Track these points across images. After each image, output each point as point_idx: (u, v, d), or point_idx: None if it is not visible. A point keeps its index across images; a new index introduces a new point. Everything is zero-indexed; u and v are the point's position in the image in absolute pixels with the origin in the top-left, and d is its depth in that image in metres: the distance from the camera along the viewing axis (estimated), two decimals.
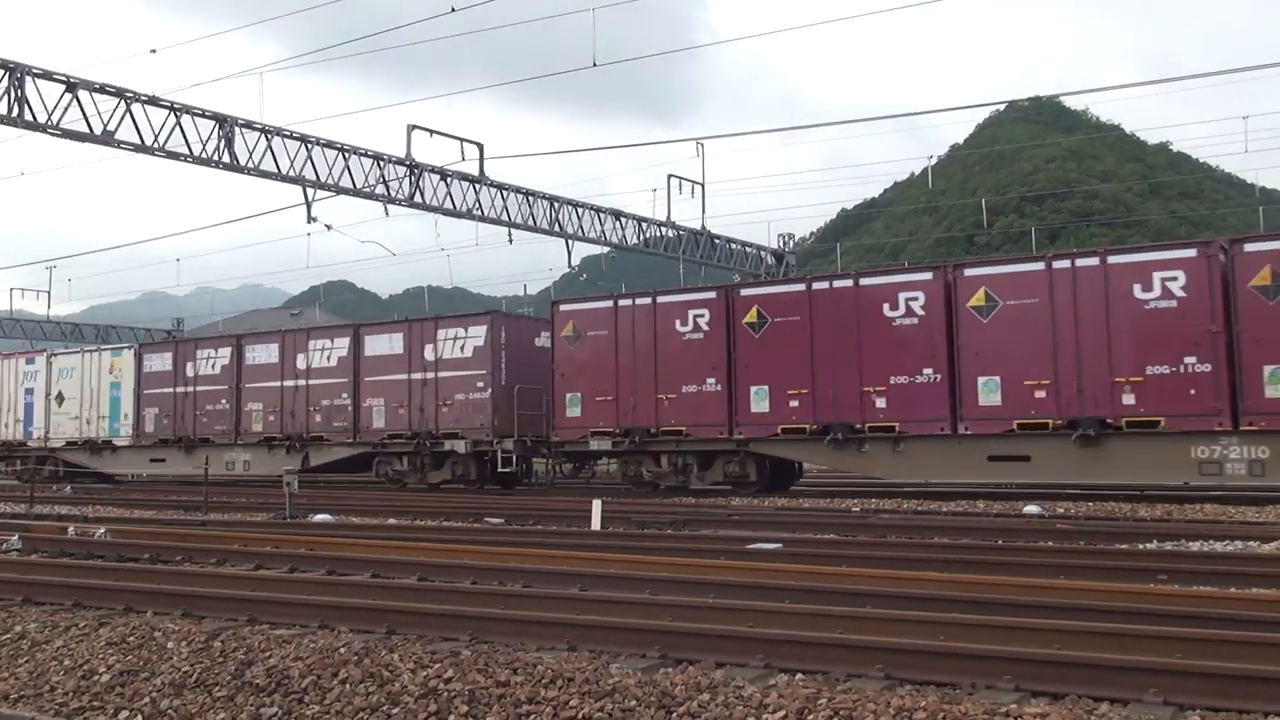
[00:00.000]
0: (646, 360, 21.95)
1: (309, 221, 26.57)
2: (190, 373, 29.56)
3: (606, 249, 35.81)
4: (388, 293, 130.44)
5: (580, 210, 32.99)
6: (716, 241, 37.01)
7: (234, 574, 10.24)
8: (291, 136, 26.14)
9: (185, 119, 24.12)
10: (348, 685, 6.34)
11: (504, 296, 70.04)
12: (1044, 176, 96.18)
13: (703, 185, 35.07)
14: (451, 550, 11.45)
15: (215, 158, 24.68)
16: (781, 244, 40.37)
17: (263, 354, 28.33)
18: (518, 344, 24.80)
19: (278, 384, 27.76)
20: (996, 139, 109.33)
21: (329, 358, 26.86)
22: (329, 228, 27.95)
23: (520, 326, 25.60)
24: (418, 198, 28.44)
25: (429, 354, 25.11)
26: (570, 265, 35.33)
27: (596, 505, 14.81)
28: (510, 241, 31.06)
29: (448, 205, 29.17)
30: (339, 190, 27.01)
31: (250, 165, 25.22)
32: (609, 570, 9.46)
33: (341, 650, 6.86)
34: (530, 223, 31.27)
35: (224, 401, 28.80)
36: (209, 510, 19.58)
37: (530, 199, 31.29)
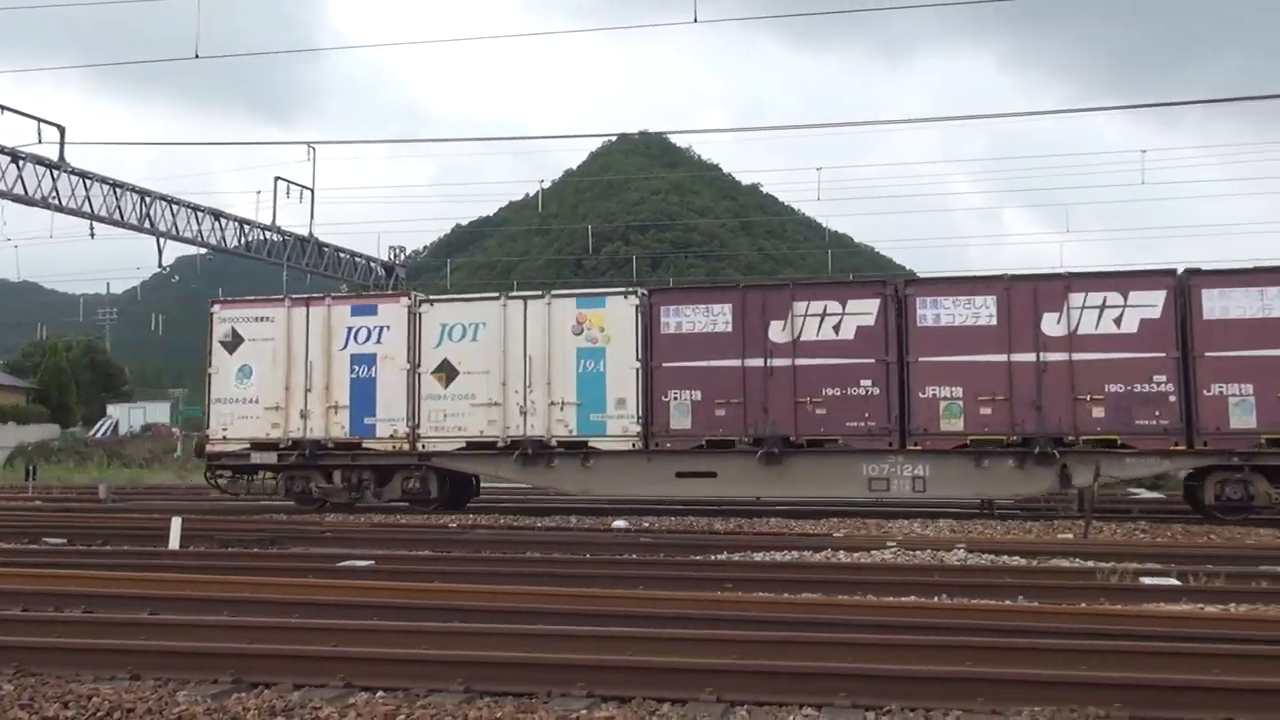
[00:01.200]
0: None
1: None
2: (783, 336, 18.50)
3: (204, 250, 33.74)
4: None
5: (175, 207, 30.85)
6: (325, 249, 35.96)
7: None
8: None
9: None
10: None
11: (82, 295, 63.97)
12: (649, 207, 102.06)
13: (312, 190, 34.03)
14: None
15: None
16: (393, 256, 39.93)
17: (958, 311, 18.07)
18: None
19: (1002, 358, 17.73)
20: (607, 168, 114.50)
21: (1118, 320, 17.44)
22: None
23: None
24: None
25: None
26: (161, 265, 32.82)
27: (175, 523, 13.86)
28: (92, 236, 28.51)
29: (18, 191, 26.28)
30: None
31: None
32: (185, 592, 8.89)
33: None
34: (117, 216, 28.84)
35: (867, 383, 18.31)
36: None
37: (117, 190, 28.87)
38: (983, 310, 17.88)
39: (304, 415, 19.96)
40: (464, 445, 19.40)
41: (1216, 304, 17.05)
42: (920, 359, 17.82)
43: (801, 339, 18.32)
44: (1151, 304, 17.32)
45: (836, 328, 18.24)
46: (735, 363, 18.39)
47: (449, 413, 19.51)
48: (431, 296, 20.69)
